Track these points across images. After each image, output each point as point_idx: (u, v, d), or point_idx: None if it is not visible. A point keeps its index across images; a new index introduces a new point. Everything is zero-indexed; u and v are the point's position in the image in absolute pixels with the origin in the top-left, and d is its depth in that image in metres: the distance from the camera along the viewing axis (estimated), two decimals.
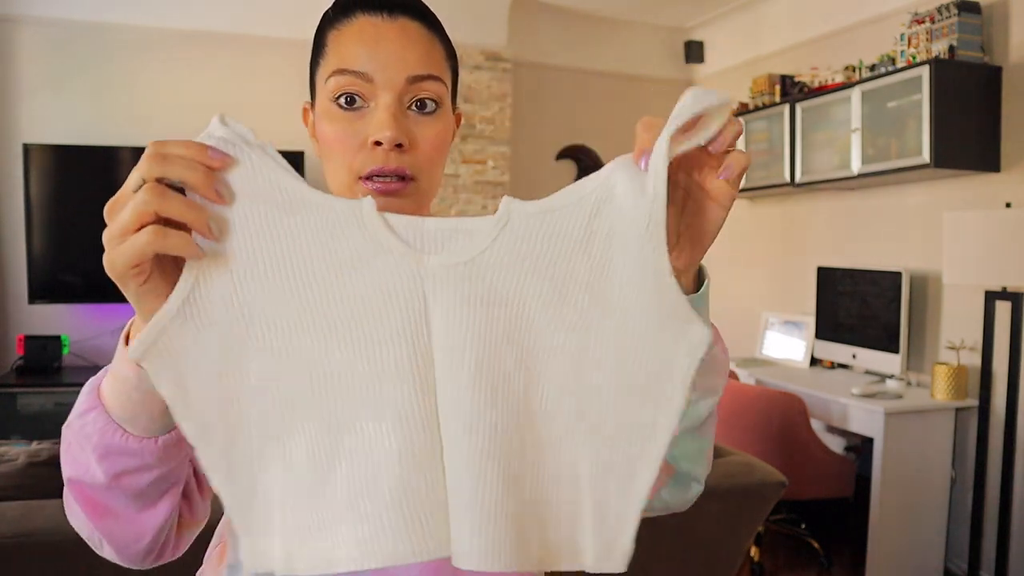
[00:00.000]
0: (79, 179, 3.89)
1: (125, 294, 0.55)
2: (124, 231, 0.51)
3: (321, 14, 0.83)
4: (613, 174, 0.55)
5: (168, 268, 0.55)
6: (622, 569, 0.58)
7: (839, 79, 3.56)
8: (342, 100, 0.74)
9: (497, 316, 0.55)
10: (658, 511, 0.75)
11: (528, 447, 0.55)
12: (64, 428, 0.62)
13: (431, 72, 0.75)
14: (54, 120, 3.95)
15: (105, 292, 3.96)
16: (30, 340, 3.84)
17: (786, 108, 3.75)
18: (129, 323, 0.61)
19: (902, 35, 3.16)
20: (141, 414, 0.59)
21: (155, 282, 0.54)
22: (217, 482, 0.57)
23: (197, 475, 0.73)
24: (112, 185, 3.48)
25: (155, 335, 0.53)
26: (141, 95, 4.06)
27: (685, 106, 0.53)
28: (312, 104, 0.80)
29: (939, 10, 3.02)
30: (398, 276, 0.54)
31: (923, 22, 3.08)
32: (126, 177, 0.54)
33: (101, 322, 4.06)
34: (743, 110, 4.11)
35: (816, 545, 3.36)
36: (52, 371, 3.84)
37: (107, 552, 0.67)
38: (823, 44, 3.96)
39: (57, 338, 3.88)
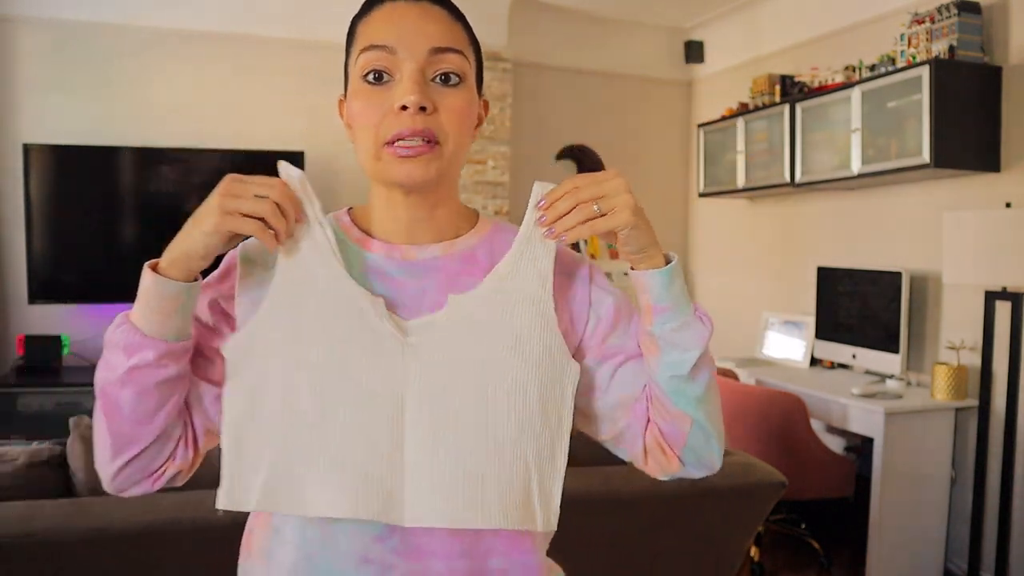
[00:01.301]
0: (79, 179, 3.89)
1: (195, 223, 0.77)
2: (250, 194, 0.77)
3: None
4: (522, 257, 0.85)
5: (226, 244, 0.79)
6: (555, 525, 0.86)
7: (839, 79, 3.57)
8: (370, 76, 0.81)
9: (455, 370, 0.81)
10: (693, 466, 0.90)
11: (486, 446, 0.81)
12: (103, 347, 0.81)
13: (452, 45, 0.82)
14: (54, 120, 3.95)
15: (105, 292, 3.96)
16: (30, 340, 3.84)
17: (786, 108, 3.75)
18: (153, 261, 0.80)
19: (902, 35, 3.16)
20: (154, 318, 0.79)
21: (224, 240, 0.77)
22: (226, 438, 0.82)
23: (188, 434, 0.87)
24: (112, 185, 3.48)
25: (240, 338, 0.83)
26: (141, 95, 4.06)
27: (532, 199, 0.84)
28: (345, 86, 0.87)
29: (939, 10, 3.02)
30: (386, 346, 0.81)
31: (923, 22, 3.08)
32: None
33: (101, 322, 4.05)
34: (743, 110, 4.11)
35: (816, 545, 3.36)
36: (52, 371, 3.84)
37: (106, 465, 0.83)
38: (823, 44, 3.96)
39: (57, 338, 3.88)
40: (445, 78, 0.82)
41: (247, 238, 0.82)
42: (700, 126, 4.51)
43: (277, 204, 0.77)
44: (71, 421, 1.81)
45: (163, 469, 0.85)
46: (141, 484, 0.85)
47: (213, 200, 0.76)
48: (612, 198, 0.79)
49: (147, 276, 0.79)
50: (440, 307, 0.84)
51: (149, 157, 3.96)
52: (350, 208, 0.93)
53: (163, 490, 1.72)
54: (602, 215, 0.79)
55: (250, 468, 0.81)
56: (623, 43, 4.91)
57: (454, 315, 0.82)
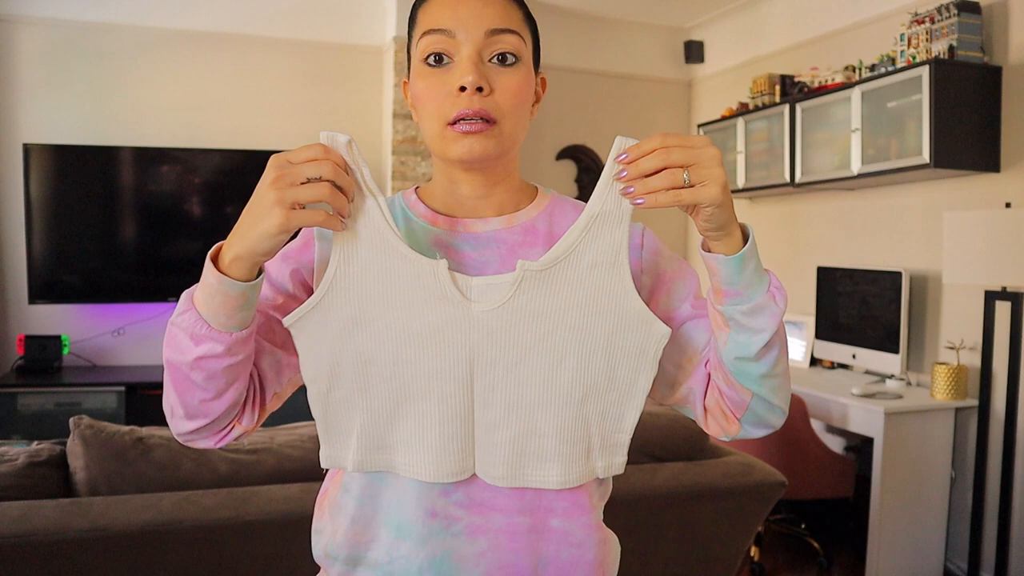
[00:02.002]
0: (79, 179, 3.89)
1: (257, 220, 0.73)
2: (304, 177, 0.73)
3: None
4: (593, 221, 0.82)
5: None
6: (622, 471, 0.89)
7: (839, 79, 3.56)
8: (430, 59, 0.85)
9: (521, 336, 0.82)
10: (753, 427, 0.90)
11: (551, 407, 0.84)
12: (168, 324, 0.81)
13: (508, 26, 0.85)
14: (54, 120, 3.95)
15: (105, 292, 3.96)
16: (30, 340, 3.84)
17: (786, 108, 3.75)
18: (217, 245, 0.79)
19: (902, 35, 3.16)
20: (220, 313, 0.78)
21: (284, 229, 0.73)
22: (316, 409, 0.86)
23: (255, 397, 0.89)
24: (112, 185, 3.48)
25: (303, 312, 0.82)
26: (141, 95, 4.07)
27: (612, 151, 0.78)
28: (408, 78, 0.91)
29: (939, 10, 3.02)
30: (453, 314, 0.82)
31: (923, 22, 3.08)
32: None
33: (101, 322, 4.06)
34: (743, 110, 4.11)
35: (816, 545, 3.36)
36: (52, 371, 3.84)
37: (181, 424, 0.85)
38: (823, 44, 3.96)
39: (57, 338, 3.88)
40: (502, 58, 0.85)
41: None
42: (700, 126, 4.51)
43: (333, 182, 0.74)
44: (71, 421, 1.81)
45: (230, 428, 0.88)
46: (207, 440, 0.88)
47: (269, 195, 0.72)
48: (705, 168, 0.74)
49: (211, 273, 0.77)
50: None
51: (149, 157, 3.96)
52: (417, 187, 0.96)
53: (163, 490, 1.73)
54: (691, 185, 0.74)
55: (342, 434, 0.86)
56: (623, 43, 4.91)
57: (522, 280, 0.81)
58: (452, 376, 0.82)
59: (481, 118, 0.83)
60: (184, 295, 0.81)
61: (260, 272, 0.79)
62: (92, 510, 1.61)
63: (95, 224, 3.94)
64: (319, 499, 0.96)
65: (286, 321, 0.83)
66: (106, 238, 3.96)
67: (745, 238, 0.80)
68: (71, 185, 3.88)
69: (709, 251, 0.80)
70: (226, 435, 0.88)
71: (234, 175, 4.09)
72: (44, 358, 3.84)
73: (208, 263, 0.78)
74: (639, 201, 0.76)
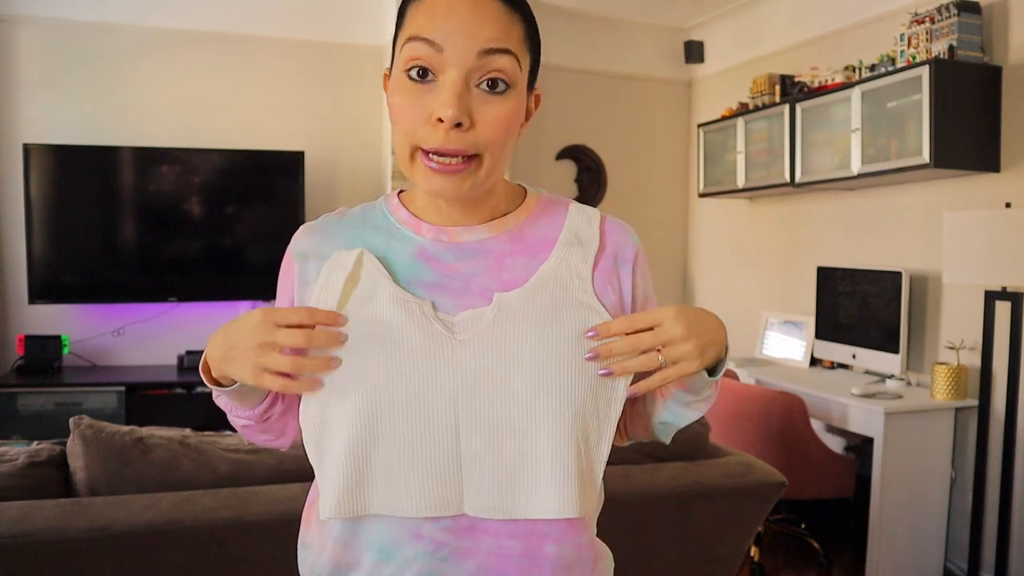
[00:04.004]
0: (79, 179, 3.89)
1: (237, 364, 0.79)
2: (284, 346, 0.78)
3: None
4: (570, 247, 0.88)
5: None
6: (599, 507, 0.92)
7: (839, 79, 3.56)
8: (413, 72, 0.78)
9: (502, 362, 0.81)
10: (636, 442, 1.01)
11: (538, 440, 0.82)
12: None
13: (504, 46, 0.77)
14: (54, 120, 3.95)
15: (105, 292, 3.96)
16: (30, 340, 3.84)
17: (786, 108, 3.75)
18: (204, 356, 0.84)
19: (902, 35, 3.16)
20: (234, 401, 0.87)
21: (255, 385, 0.80)
22: (311, 453, 0.85)
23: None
24: (112, 185, 3.47)
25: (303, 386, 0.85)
26: (141, 95, 4.07)
27: None
28: (391, 68, 0.84)
29: (939, 10, 3.02)
30: (437, 345, 0.82)
31: (923, 22, 3.08)
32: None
33: (101, 322, 4.06)
34: (743, 110, 4.11)
35: (816, 545, 3.36)
36: (52, 371, 3.84)
37: (245, 437, 0.97)
38: (823, 44, 3.96)
39: (57, 338, 3.88)
40: (492, 83, 0.78)
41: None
42: (700, 126, 4.51)
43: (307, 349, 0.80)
44: (71, 421, 1.81)
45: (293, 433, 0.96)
46: (274, 443, 0.97)
47: (250, 356, 0.78)
48: (674, 348, 0.80)
49: (208, 383, 0.86)
50: (489, 291, 0.84)
51: (149, 157, 3.96)
52: (400, 191, 0.93)
53: (163, 490, 1.73)
54: (672, 364, 0.81)
55: (332, 475, 0.83)
56: (623, 43, 4.91)
57: (501, 312, 0.83)
58: (436, 406, 0.81)
59: (460, 156, 0.78)
60: (201, 370, 0.87)
61: None
62: (92, 510, 1.61)
63: (95, 224, 3.94)
64: (306, 511, 0.94)
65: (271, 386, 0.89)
66: (106, 238, 3.96)
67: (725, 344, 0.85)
68: (71, 185, 3.88)
69: None
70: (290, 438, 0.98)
71: (234, 175, 4.09)
72: (44, 358, 3.84)
73: (204, 377, 0.86)
74: (635, 392, 0.84)
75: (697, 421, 1.78)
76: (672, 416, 0.92)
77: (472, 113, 0.77)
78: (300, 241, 0.91)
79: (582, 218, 0.91)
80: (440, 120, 0.76)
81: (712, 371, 0.85)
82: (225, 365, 0.81)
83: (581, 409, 0.82)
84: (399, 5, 0.83)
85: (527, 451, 0.81)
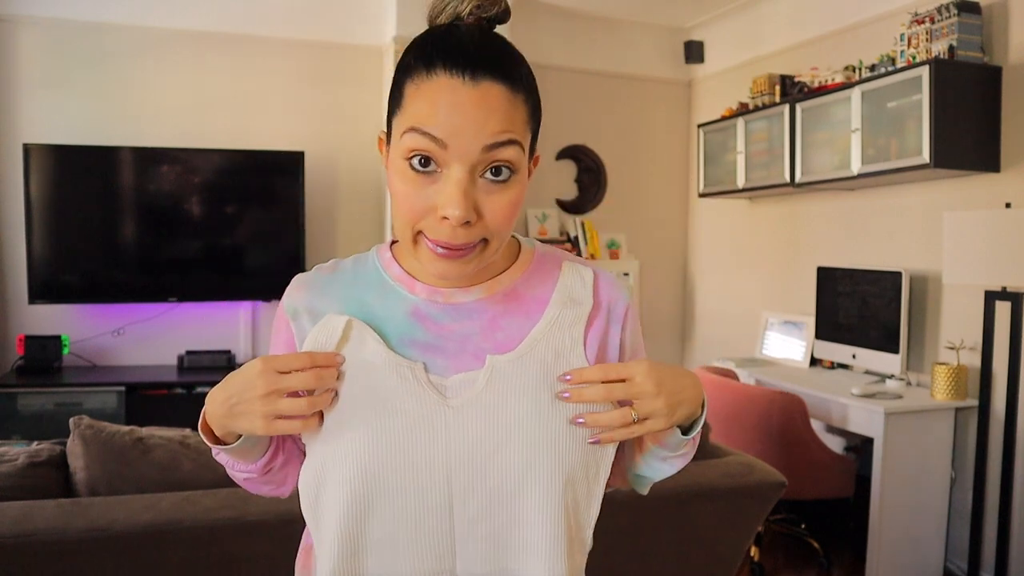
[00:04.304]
0: (79, 179, 3.89)
1: (243, 418, 0.79)
2: (290, 390, 0.79)
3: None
4: (563, 308, 0.88)
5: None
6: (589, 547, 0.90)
7: (839, 79, 3.56)
8: (415, 161, 0.75)
9: (496, 427, 0.82)
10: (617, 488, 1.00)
11: (531, 504, 0.83)
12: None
13: (510, 137, 0.74)
14: (54, 120, 3.95)
15: (105, 292, 3.96)
16: (30, 340, 3.84)
17: (786, 108, 3.75)
18: (203, 414, 0.84)
19: (902, 35, 3.16)
20: (237, 457, 0.87)
21: (265, 435, 0.82)
22: (307, 517, 0.86)
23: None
24: (112, 185, 3.46)
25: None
26: (141, 95, 4.07)
27: None
28: (388, 137, 0.81)
29: (939, 10, 3.02)
30: (430, 410, 0.82)
31: (923, 22, 3.08)
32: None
33: (101, 322, 4.06)
34: (743, 110, 4.11)
35: (816, 545, 3.36)
36: (52, 371, 3.84)
37: (248, 490, 0.97)
38: (823, 44, 3.96)
39: (57, 338, 3.88)
40: (496, 171, 0.75)
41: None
42: (700, 126, 4.51)
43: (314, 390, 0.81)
44: (71, 421, 1.81)
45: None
46: (275, 492, 0.98)
47: (257, 406, 0.78)
48: (645, 403, 0.81)
49: (209, 443, 0.86)
50: (483, 352, 0.84)
51: (149, 157, 3.96)
52: (394, 242, 0.90)
53: (163, 490, 1.73)
54: (639, 421, 0.82)
55: (328, 542, 0.85)
56: (623, 43, 4.91)
57: (494, 377, 0.83)
58: (429, 471, 0.81)
59: (467, 247, 0.77)
60: (201, 431, 0.87)
61: None
62: (92, 510, 1.61)
63: (95, 224, 3.94)
64: (302, 557, 0.95)
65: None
66: (106, 238, 3.96)
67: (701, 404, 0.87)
68: (71, 185, 3.87)
69: None
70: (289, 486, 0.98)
71: (234, 175, 4.09)
72: (44, 358, 3.84)
73: (202, 434, 0.86)
74: (595, 440, 0.83)
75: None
76: (649, 470, 0.93)
77: (478, 205, 0.75)
78: (293, 297, 0.89)
79: (575, 278, 0.90)
80: (446, 217, 0.74)
81: (687, 430, 0.87)
82: (230, 421, 0.80)
83: (572, 475, 0.83)
84: (394, 76, 0.79)
85: (519, 516, 0.83)
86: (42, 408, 3.62)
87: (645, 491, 0.99)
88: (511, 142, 0.75)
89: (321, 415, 0.82)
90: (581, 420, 0.82)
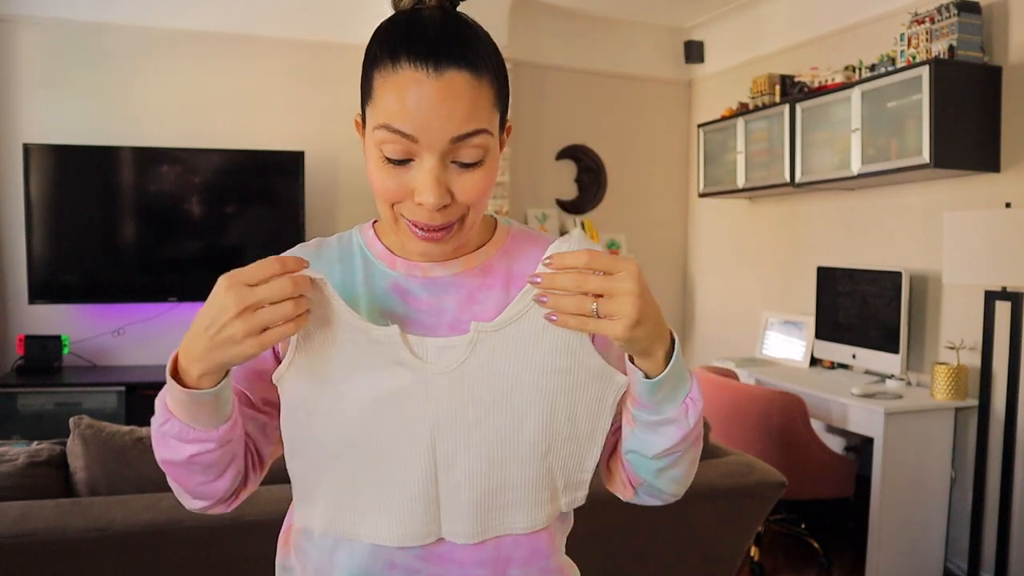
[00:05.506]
0: (79, 179, 3.89)
1: (226, 346, 0.73)
2: (266, 301, 0.72)
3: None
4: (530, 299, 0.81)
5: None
6: (583, 502, 0.91)
7: (839, 79, 3.56)
8: (388, 154, 0.78)
9: (480, 397, 0.82)
10: (647, 500, 0.94)
11: (514, 464, 0.84)
12: (152, 430, 0.82)
13: (474, 128, 0.76)
14: (54, 120, 3.95)
15: (105, 292, 3.96)
16: (30, 340, 3.84)
17: (786, 108, 3.75)
18: (173, 357, 0.77)
19: (902, 35, 3.17)
20: (200, 417, 0.79)
21: (259, 354, 0.74)
22: (290, 468, 0.88)
23: (254, 460, 0.92)
24: (112, 185, 3.47)
25: (283, 370, 0.84)
26: (141, 95, 4.07)
27: (554, 246, 0.81)
28: (363, 120, 0.83)
29: (939, 10, 3.02)
30: (410, 379, 0.82)
31: (923, 22, 3.08)
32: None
33: (101, 322, 4.06)
34: (743, 110, 4.11)
35: (816, 545, 3.36)
36: (52, 371, 3.84)
37: (190, 503, 0.89)
38: (823, 44, 3.96)
39: (57, 338, 3.88)
40: (466, 157, 0.78)
41: None
42: (700, 126, 4.51)
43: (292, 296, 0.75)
44: (71, 421, 1.81)
45: (237, 495, 0.91)
46: (217, 509, 0.90)
47: (237, 326, 0.72)
48: (616, 303, 0.74)
49: (178, 390, 0.76)
50: (460, 324, 0.85)
51: (149, 157, 3.96)
52: (375, 221, 0.93)
53: (163, 490, 1.72)
54: (598, 317, 0.75)
55: (310, 496, 0.87)
56: (623, 43, 4.91)
57: (476, 341, 0.82)
58: (413, 440, 0.82)
59: (445, 228, 0.80)
60: (158, 403, 0.80)
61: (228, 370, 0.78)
62: (92, 510, 1.61)
63: (95, 224, 3.94)
64: (283, 535, 0.97)
65: (274, 376, 0.85)
66: (106, 238, 3.96)
67: (668, 356, 0.79)
68: (71, 185, 3.87)
69: (632, 360, 0.80)
70: (235, 501, 0.91)
71: (234, 175, 4.09)
72: (44, 358, 3.84)
73: (171, 380, 0.77)
74: (552, 318, 0.77)
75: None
76: (637, 443, 0.85)
77: (451, 187, 0.78)
78: None
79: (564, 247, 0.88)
80: (422, 204, 0.78)
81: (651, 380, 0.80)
82: (216, 353, 0.73)
83: (558, 437, 0.84)
84: (363, 64, 0.81)
85: (504, 480, 0.84)
86: (42, 408, 3.62)
87: (650, 478, 0.89)
88: (477, 132, 0.77)
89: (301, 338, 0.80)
90: (543, 299, 0.77)
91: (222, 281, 0.73)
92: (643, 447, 0.85)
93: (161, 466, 0.84)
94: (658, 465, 0.86)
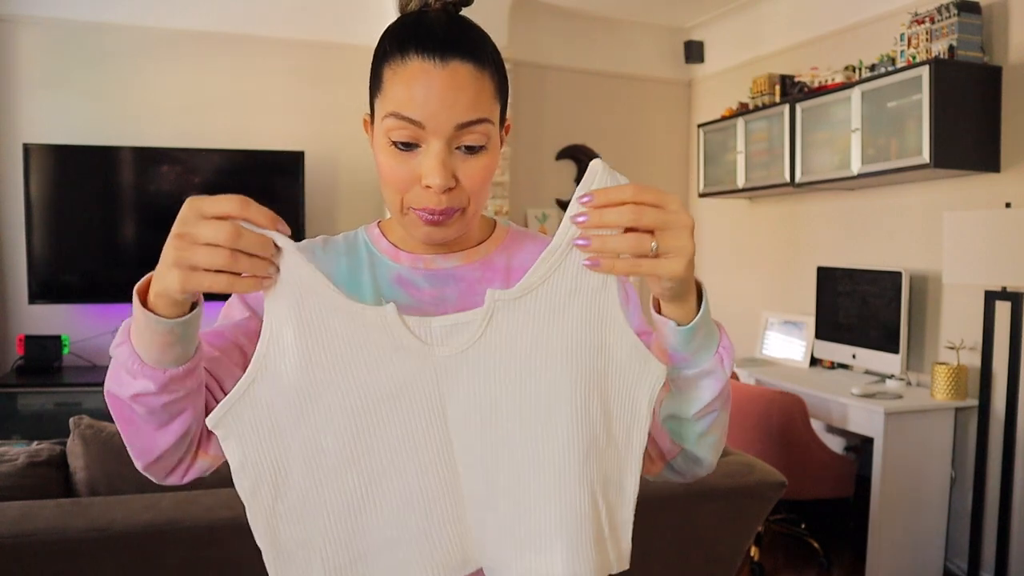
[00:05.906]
0: (79, 179, 3.89)
1: (163, 271, 0.66)
2: (202, 240, 0.64)
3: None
4: (572, 249, 0.68)
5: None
6: (627, 565, 0.77)
7: (839, 79, 3.56)
8: (397, 144, 0.81)
9: (499, 382, 0.71)
10: (673, 475, 0.89)
11: (547, 476, 0.72)
12: (110, 351, 0.73)
13: (478, 116, 0.80)
14: (54, 120, 3.95)
15: (105, 292, 3.96)
16: (30, 340, 3.84)
17: (786, 108, 3.75)
18: (147, 277, 0.69)
19: (902, 35, 3.17)
20: (152, 348, 0.69)
21: (184, 291, 0.66)
22: (258, 529, 0.72)
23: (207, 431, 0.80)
24: (112, 185, 3.47)
25: (228, 405, 0.69)
26: (140, 95, 4.07)
27: (584, 182, 0.67)
28: (372, 117, 0.87)
29: (939, 10, 3.02)
30: (414, 367, 0.70)
31: (923, 22, 3.08)
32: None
33: (101, 322, 4.06)
34: (743, 110, 4.11)
35: (816, 545, 3.36)
36: (52, 371, 3.84)
37: (134, 458, 0.78)
38: (823, 44, 3.96)
39: (57, 338, 3.88)
40: (469, 147, 0.81)
41: None
42: (700, 126, 4.51)
43: (234, 247, 0.64)
44: (71, 421, 1.81)
45: (189, 466, 0.80)
46: (169, 478, 0.81)
47: (169, 252, 0.65)
48: (675, 238, 0.66)
49: (137, 308, 0.68)
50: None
51: (149, 157, 3.96)
52: (379, 221, 0.97)
53: (163, 490, 1.73)
54: (655, 256, 0.66)
55: (297, 558, 0.73)
56: (623, 43, 4.91)
57: (493, 312, 0.70)
58: (427, 443, 0.72)
59: (449, 213, 0.82)
60: (123, 324, 0.72)
61: (195, 306, 0.69)
62: (92, 510, 1.61)
63: (95, 224, 3.93)
64: None
65: (208, 423, 0.71)
66: (106, 238, 3.96)
67: (699, 300, 0.72)
68: (71, 185, 3.87)
69: (660, 311, 0.73)
70: (189, 469, 0.80)
71: (234, 175, 4.08)
72: (44, 358, 3.84)
73: (135, 297, 0.69)
74: (590, 263, 0.67)
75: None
76: (675, 405, 0.79)
77: (456, 173, 0.81)
78: None
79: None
80: (429, 186, 0.80)
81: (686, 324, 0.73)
82: (158, 273, 0.67)
83: (596, 438, 0.72)
84: (373, 62, 0.85)
85: (534, 495, 0.73)
86: (42, 408, 3.61)
87: (690, 444, 0.83)
88: (480, 120, 0.80)
89: (268, 278, 0.67)
90: (583, 241, 0.66)
91: (186, 202, 0.67)
92: (682, 408, 0.77)
93: (106, 398, 0.75)
94: (699, 428, 0.79)
